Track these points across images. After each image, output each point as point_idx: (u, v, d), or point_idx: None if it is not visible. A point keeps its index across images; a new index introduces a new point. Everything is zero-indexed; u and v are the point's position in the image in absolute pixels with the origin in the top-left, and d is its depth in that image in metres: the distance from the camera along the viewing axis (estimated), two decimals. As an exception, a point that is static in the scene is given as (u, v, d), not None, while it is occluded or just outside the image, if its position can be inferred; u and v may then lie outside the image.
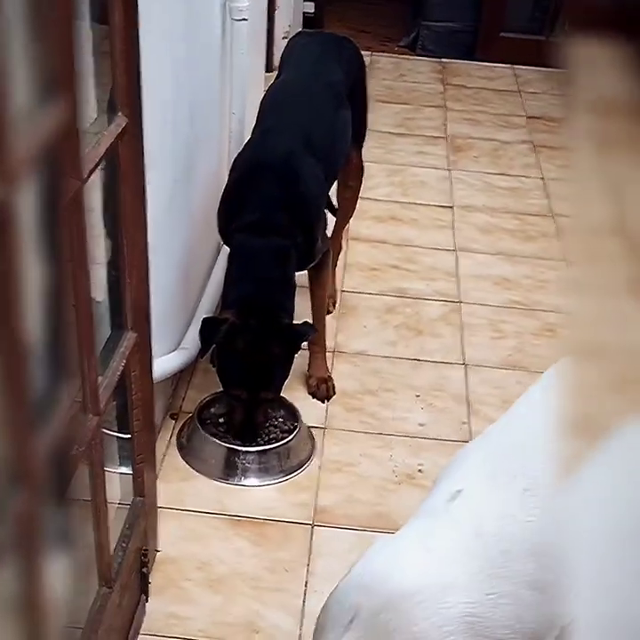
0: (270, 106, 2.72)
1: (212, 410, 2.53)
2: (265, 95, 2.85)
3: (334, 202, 3.00)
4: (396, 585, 1.32)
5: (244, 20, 2.94)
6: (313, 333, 2.52)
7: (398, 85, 4.88)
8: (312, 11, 5.36)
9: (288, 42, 3.02)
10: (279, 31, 4.91)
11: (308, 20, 5.23)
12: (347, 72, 2.83)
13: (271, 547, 2.20)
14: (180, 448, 2.45)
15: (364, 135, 3.01)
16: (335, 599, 1.40)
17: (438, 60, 5.23)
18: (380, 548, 1.42)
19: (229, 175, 2.62)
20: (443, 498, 1.44)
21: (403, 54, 5.31)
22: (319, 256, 2.61)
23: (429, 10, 5.30)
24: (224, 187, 2.64)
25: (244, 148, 2.65)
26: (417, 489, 2.35)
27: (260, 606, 2.06)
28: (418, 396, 2.72)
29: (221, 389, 2.48)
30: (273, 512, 2.30)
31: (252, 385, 2.39)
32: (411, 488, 2.38)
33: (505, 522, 1.38)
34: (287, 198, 2.47)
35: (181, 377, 2.66)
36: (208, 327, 2.36)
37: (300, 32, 3.09)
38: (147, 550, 1.96)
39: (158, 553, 2.10)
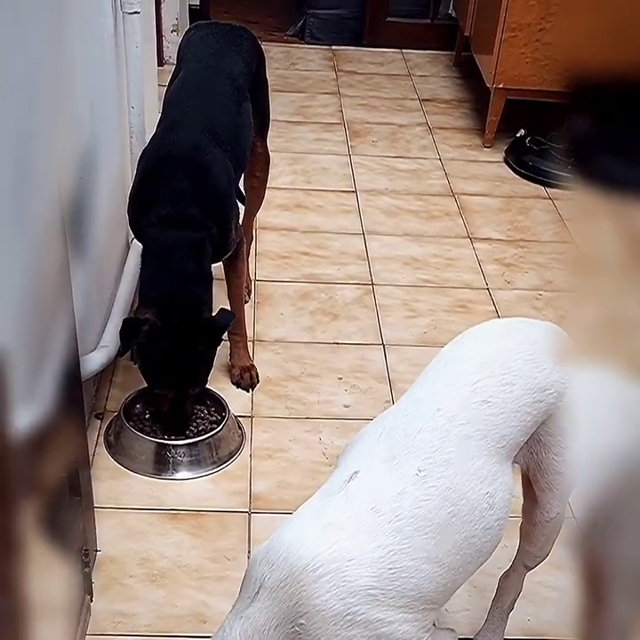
0: (174, 99, 2.70)
1: (138, 406, 2.52)
2: (168, 89, 2.83)
3: (243, 192, 3.00)
4: (296, 560, 1.38)
5: (137, 12, 2.91)
6: (233, 320, 2.53)
7: (291, 74, 4.90)
8: (197, 3, 5.33)
9: (185, 34, 3.00)
10: (167, 24, 4.89)
11: (193, 13, 5.20)
12: (247, 63, 2.84)
13: (210, 537, 2.21)
14: (109, 447, 2.43)
15: (268, 125, 3.02)
16: (246, 573, 1.47)
17: (328, 47, 5.27)
18: (281, 528, 1.47)
19: (137, 170, 2.60)
20: (340, 479, 1.49)
21: (292, 43, 5.33)
22: (234, 246, 2.61)
23: (316, -2, 5.33)
24: (132, 182, 2.62)
25: (150, 143, 2.63)
26: (348, 469, 2.38)
27: (205, 596, 2.06)
28: (340, 378, 2.75)
29: (145, 385, 2.47)
30: (209, 503, 2.30)
31: (179, 383, 2.39)
32: (342, 469, 2.41)
33: (400, 501, 1.44)
34: (198, 190, 2.46)
35: (103, 376, 2.64)
36: (128, 328, 2.34)
37: (196, 24, 3.07)
38: (87, 550, 1.94)
39: (98, 553, 2.09)
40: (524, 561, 1.85)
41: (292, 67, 5.01)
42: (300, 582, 1.37)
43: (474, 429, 1.50)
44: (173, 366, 2.36)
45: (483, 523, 1.48)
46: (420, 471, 1.46)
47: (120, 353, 2.44)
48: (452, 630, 1.90)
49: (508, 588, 1.92)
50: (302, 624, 1.37)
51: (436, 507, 1.45)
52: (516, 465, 1.67)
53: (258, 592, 1.40)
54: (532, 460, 1.66)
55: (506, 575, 1.92)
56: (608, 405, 1.36)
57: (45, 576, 1.70)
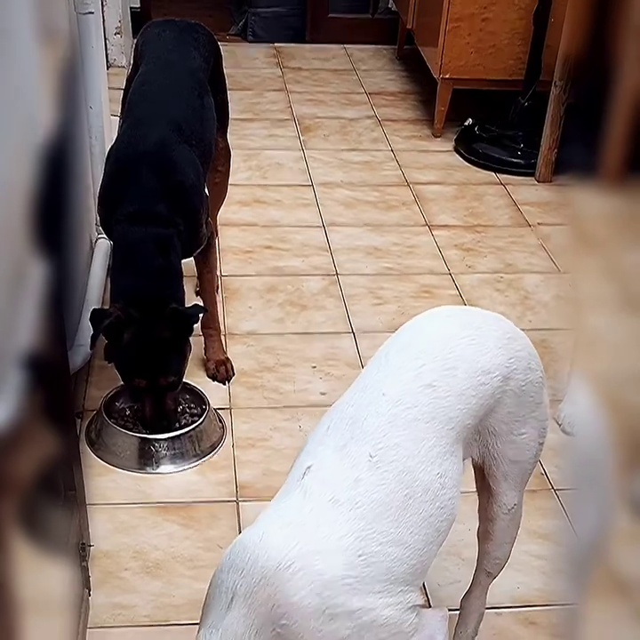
0: (137, 97, 2.71)
1: (117, 404, 2.53)
2: (127, 88, 2.84)
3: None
4: (265, 562, 1.37)
5: (91, 12, 2.92)
6: (203, 313, 2.53)
7: (237, 73, 4.91)
8: (138, 5, 5.33)
9: (141, 33, 3.00)
10: (110, 27, 4.88)
11: (134, 15, 5.19)
12: (205, 58, 2.86)
13: (201, 527, 2.23)
14: (91, 444, 2.44)
15: (228, 119, 3.05)
16: (213, 585, 1.44)
17: (271, 45, 5.29)
18: (244, 533, 1.46)
19: (105, 168, 2.60)
20: (295, 477, 1.50)
21: (235, 42, 5.34)
22: (205, 241, 2.63)
23: (255, -3, 5.35)
24: (101, 181, 2.63)
25: (116, 141, 2.64)
26: (330, 454, 2.41)
27: (201, 584, 2.05)
28: (314, 366, 2.79)
29: (122, 383, 2.47)
30: (196, 494, 2.32)
31: (149, 372, 2.39)
32: (324, 454, 2.44)
33: (357, 488, 1.44)
34: (166, 186, 2.48)
35: (79, 376, 2.63)
36: (95, 318, 2.35)
37: (152, 22, 3.07)
38: (84, 544, 1.95)
39: (91, 548, 2.09)
40: (486, 567, 1.82)
41: (237, 65, 5.02)
42: (273, 584, 1.36)
43: (421, 413, 1.50)
44: (141, 356, 2.36)
45: (437, 502, 1.49)
46: (371, 457, 1.46)
47: (90, 344, 2.44)
48: (443, 608, 1.89)
49: (471, 608, 1.88)
50: (284, 624, 1.35)
51: (392, 490, 1.45)
52: (472, 458, 1.68)
53: (231, 601, 1.38)
54: (488, 453, 1.66)
55: (467, 595, 1.88)
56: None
57: (43, 571, 1.70)
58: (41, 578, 1.68)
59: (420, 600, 1.51)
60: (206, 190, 3.01)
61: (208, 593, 1.46)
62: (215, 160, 2.94)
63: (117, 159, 2.53)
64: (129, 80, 2.89)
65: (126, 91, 2.82)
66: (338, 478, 1.45)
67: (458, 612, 1.90)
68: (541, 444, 1.72)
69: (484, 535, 1.79)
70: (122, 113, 2.79)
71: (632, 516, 1.12)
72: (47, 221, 2.41)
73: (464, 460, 1.63)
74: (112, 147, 2.61)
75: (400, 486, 1.46)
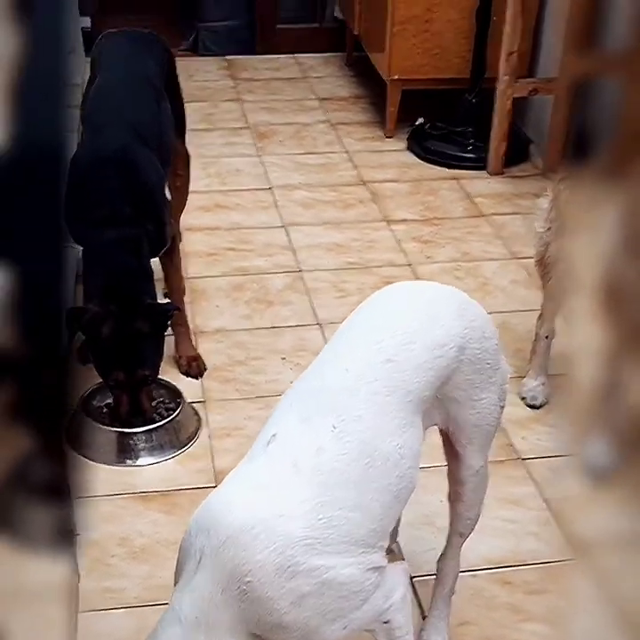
0: (96, 105, 2.78)
1: (94, 402, 2.59)
2: (86, 97, 2.91)
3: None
4: (230, 523, 1.43)
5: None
6: (175, 310, 2.61)
7: (190, 85, 4.98)
8: (89, 25, 5.40)
9: (96, 43, 3.09)
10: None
11: (86, 35, 5.25)
12: (160, 65, 2.95)
13: (183, 513, 2.29)
14: (70, 442, 2.49)
15: (185, 124, 3.14)
16: (182, 549, 1.51)
17: (222, 57, 5.39)
18: (210, 497, 1.53)
19: (69, 175, 2.67)
20: (260, 445, 1.56)
21: (186, 56, 5.42)
22: (170, 240, 2.71)
23: (205, 11, 5.45)
24: (65, 188, 2.69)
25: (78, 148, 2.71)
26: (304, 438, 2.49)
27: None
28: (283, 358, 2.87)
29: (99, 381, 2.54)
30: (177, 483, 2.39)
31: (128, 364, 2.45)
32: (298, 439, 2.52)
33: (319, 457, 1.51)
34: (131, 189, 2.56)
35: (54, 378, 2.69)
36: (71, 316, 2.42)
37: (107, 32, 3.15)
38: (72, 531, 2.00)
39: (77, 536, 2.15)
40: (458, 528, 1.90)
41: (190, 79, 5.10)
42: (238, 544, 1.42)
43: (381, 386, 1.57)
44: (119, 348, 2.43)
45: (396, 471, 1.56)
46: (334, 428, 1.53)
47: (68, 341, 2.49)
48: (402, 562, 1.94)
49: (447, 568, 1.96)
50: (249, 582, 1.41)
51: (353, 460, 1.52)
52: (437, 425, 1.76)
53: (200, 562, 1.44)
54: (450, 420, 1.74)
55: (442, 557, 1.96)
56: None
57: (32, 562, 1.76)
58: (30, 569, 1.73)
59: (383, 562, 1.58)
60: (168, 194, 3.11)
61: (178, 558, 1.53)
62: (175, 165, 3.02)
63: (81, 165, 2.59)
64: (87, 90, 2.96)
65: (84, 100, 2.90)
66: (301, 447, 1.52)
67: (435, 576, 1.99)
68: (502, 406, 1.80)
69: (454, 497, 1.86)
70: (81, 121, 2.86)
71: (588, 480, 1.17)
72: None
73: (427, 428, 1.72)
74: (74, 154, 2.67)
75: (361, 456, 1.53)
